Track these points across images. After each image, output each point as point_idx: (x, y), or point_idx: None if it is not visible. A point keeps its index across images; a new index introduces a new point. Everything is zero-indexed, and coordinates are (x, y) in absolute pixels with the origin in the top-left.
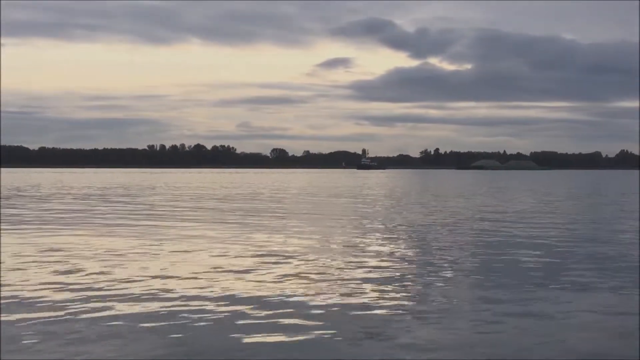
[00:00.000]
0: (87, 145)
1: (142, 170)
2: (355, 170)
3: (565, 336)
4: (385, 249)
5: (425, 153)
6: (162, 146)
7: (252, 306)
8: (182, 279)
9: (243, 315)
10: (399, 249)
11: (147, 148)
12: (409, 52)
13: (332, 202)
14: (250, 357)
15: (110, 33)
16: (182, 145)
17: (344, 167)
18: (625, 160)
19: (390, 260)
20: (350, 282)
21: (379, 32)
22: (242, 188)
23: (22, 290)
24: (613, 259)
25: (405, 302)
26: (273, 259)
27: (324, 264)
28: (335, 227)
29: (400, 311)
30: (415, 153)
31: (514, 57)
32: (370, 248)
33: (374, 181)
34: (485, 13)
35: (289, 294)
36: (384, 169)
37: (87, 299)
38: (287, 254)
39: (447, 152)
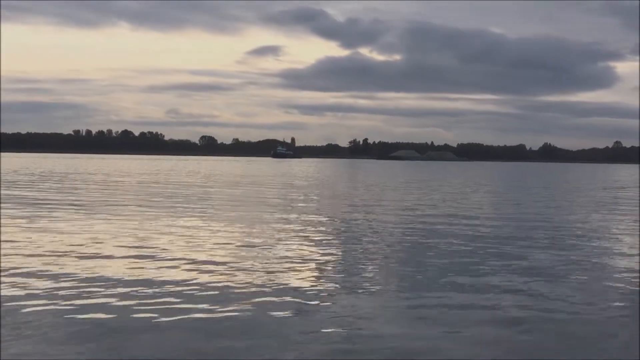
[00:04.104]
0: (10, 129)
1: (65, 156)
2: (269, 158)
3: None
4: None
5: (354, 143)
6: (89, 131)
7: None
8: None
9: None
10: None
11: (72, 133)
12: (339, 42)
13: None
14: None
15: (35, 15)
16: (109, 131)
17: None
18: (548, 154)
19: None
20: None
21: (309, 20)
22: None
23: None
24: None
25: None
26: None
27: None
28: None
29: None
30: (344, 143)
31: (443, 49)
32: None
33: (265, 169)
34: (415, 5)
35: (208, 280)
36: (299, 158)
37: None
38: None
39: (376, 142)
